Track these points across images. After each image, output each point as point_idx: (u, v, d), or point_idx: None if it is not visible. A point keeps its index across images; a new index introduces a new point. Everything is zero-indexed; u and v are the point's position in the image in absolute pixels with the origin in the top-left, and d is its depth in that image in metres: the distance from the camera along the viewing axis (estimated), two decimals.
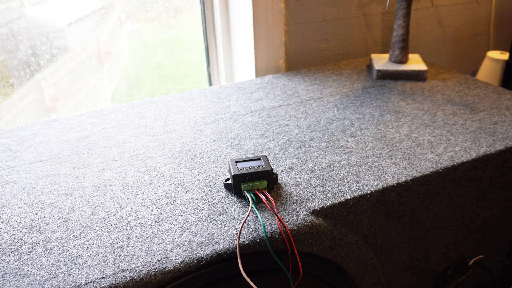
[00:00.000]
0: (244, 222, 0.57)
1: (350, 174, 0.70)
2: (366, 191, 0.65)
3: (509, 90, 0.98)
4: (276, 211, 0.59)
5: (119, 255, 0.54)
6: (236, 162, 0.66)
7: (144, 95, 1.52)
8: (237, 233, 0.57)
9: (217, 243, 0.56)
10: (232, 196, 0.65)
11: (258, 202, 0.62)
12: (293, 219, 0.60)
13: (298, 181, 0.68)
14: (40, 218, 0.63)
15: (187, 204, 0.64)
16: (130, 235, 0.58)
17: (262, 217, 0.59)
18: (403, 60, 1.11)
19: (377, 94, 1.00)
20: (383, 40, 1.35)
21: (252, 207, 0.60)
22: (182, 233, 0.58)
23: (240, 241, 0.56)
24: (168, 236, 0.57)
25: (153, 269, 0.52)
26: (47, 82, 1.27)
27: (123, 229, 0.59)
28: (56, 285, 0.50)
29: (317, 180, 0.69)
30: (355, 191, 0.66)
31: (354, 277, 0.67)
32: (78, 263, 0.53)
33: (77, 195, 0.68)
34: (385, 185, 0.67)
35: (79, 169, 0.75)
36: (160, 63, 1.56)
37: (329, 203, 0.63)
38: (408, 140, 0.79)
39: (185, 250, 0.55)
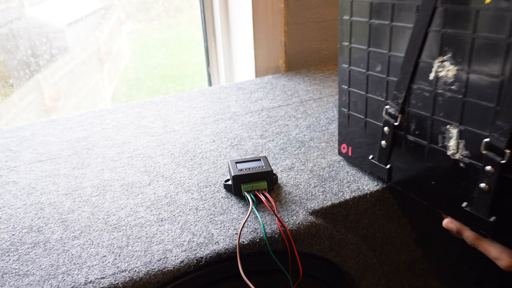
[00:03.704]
0: (244, 223, 0.57)
1: (350, 174, 0.70)
2: (365, 191, 0.65)
3: None
4: (276, 213, 0.59)
5: (119, 255, 0.54)
6: (236, 162, 0.66)
7: (144, 95, 1.52)
8: (236, 233, 0.57)
9: (217, 243, 0.56)
10: (231, 196, 0.65)
11: (258, 202, 0.62)
12: (292, 219, 0.60)
13: (297, 181, 0.68)
14: (39, 218, 0.63)
15: (186, 204, 0.64)
16: (130, 235, 0.58)
17: (261, 218, 0.59)
18: None
19: None
20: None
21: (252, 208, 0.60)
22: (181, 233, 0.58)
23: (239, 242, 0.56)
24: (167, 236, 0.57)
25: (152, 269, 0.52)
26: (47, 82, 1.27)
27: (123, 229, 0.59)
28: (55, 285, 0.50)
29: (316, 180, 0.69)
30: (354, 191, 0.66)
31: (353, 277, 0.67)
32: (78, 263, 0.53)
33: (76, 195, 0.68)
34: (384, 185, 0.67)
35: (78, 169, 0.75)
36: (160, 63, 1.56)
37: (329, 203, 0.63)
38: None
39: (184, 250, 0.55)
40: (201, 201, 0.65)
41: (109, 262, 0.53)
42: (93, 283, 0.51)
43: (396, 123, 0.58)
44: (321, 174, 0.70)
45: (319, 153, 0.77)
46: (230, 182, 0.65)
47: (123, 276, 0.51)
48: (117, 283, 0.51)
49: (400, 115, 0.58)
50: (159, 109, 1.00)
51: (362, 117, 0.66)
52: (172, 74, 1.57)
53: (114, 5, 1.40)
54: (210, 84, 1.35)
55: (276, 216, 0.58)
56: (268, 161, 0.66)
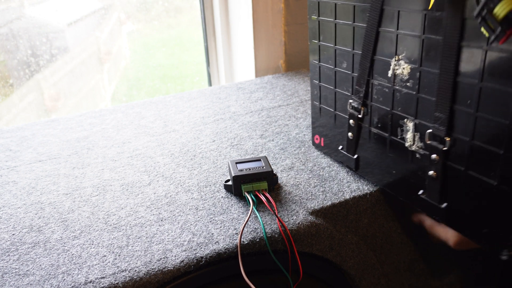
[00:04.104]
0: (245, 225, 0.57)
1: (350, 174, 0.70)
2: (365, 191, 0.65)
3: None
4: (276, 213, 0.59)
5: (119, 255, 0.54)
6: (236, 163, 0.66)
7: (144, 95, 1.52)
8: (236, 233, 0.57)
9: (217, 243, 0.56)
10: (231, 196, 0.65)
11: (258, 203, 0.62)
12: (292, 219, 0.60)
13: (297, 181, 0.68)
14: (39, 218, 0.63)
15: (186, 204, 0.64)
16: (130, 235, 0.58)
17: (262, 217, 0.59)
18: None
19: None
20: None
21: (253, 209, 0.60)
22: (181, 233, 0.58)
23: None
24: (167, 236, 0.57)
25: (152, 269, 0.52)
26: (47, 82, 1.27)
27: (123, 229, 0.59)
28: (55, 285, 0.50)
29: (316, 180, 0.69)
30: (354, 191, 0.66)
31: (353, 277, 0.67)
32: (78, 263, 0.53)
33: (76, 195, 0.68)
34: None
35: (78, 169, 0.75)
36: (160, 63, 1.56)
37: (329, 203, 0.63)
38: None
39: (184, 250, 0.55)
40: (201, 201, 0.65)
41: (109, 262, 0.53)
42: (93, 283, 0.51)
43: (359, 116, 0.63)
44: (321, 174, 0.70)
45: (319, 153, 0.77)
46: (230, 183, 0.65)
47: (123, 275, 0.51)
48: (117, 283, 0.51)
49: (362, 108, 0.62)
50: (159, 109, 1.00)
51: (332, 110, 0.70)
52: (172, 74, 1.57)
53: (114, 5, 1.40)
54: (210, 84, 1.35)
55: (276, 216, 0.58)
56: (268, 161, 0.66)
